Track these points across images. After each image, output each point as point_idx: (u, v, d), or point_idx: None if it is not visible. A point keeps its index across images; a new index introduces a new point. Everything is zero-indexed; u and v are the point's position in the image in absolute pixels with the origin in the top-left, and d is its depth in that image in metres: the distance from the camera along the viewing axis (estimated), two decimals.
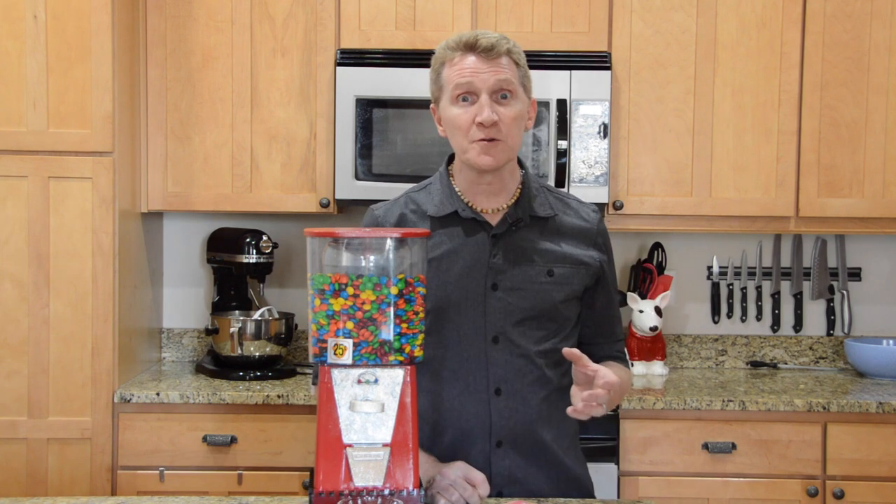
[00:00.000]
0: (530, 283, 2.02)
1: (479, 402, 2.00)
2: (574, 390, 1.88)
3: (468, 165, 2.02)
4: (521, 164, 2.11)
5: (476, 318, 2.00)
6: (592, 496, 2.13)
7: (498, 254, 2.02)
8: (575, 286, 2.06)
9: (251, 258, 3.35)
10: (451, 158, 2.13)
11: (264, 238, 3.37)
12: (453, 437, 2.01)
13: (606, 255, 2.13)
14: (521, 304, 2.01)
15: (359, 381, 1.74)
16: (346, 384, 1.74)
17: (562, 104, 3.17)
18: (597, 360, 1.93)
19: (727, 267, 3.67)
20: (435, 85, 2.05)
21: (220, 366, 3.31)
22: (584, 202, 2.16)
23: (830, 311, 3.65)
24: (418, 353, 1.76)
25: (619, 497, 3.00)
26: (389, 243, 1.74)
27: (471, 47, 1.97)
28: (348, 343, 1.72)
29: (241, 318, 3.34)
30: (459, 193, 2.06)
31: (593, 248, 2.10)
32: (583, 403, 1.81)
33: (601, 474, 2.91)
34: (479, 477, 1.88)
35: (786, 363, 3.65)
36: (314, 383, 1.98)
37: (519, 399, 2.01)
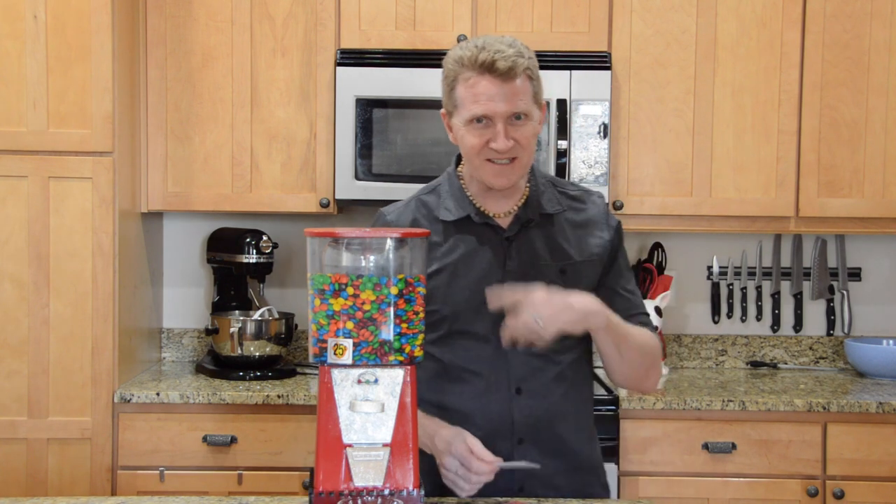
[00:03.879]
0: (545, 283, 2.00)
1: (500, 402, 2.02)
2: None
3: (481, 180, 2.02)
4: None
5: (494, 320, 2.00)
6: (608, 488, 2.16)
7: (512, 256, 2.04)
8: (588, 279, 2.06)
9: (251, 258, 3.35)
10: (459, 159, 2.12)
11: (264, 238, 3.37)
12: (478, 435, 2.00)
13: (617, 238, 2.12)
14: None
15: (359, 381, 1.74)
16: (346, 384, 1.74)
17: (562, 104, 3.17)
18: None
19: (727, 267, 3.67)
20: (448, 98, 2.00)
21: (220, 366, 3.31)
22: (588, 190, 2.15)
23: (830, 311, 3.65)
24: (418, 353, 1.76)
25: (619, 497, 3.00)
26: (389, 243, 1.74)
27: (487, 69, 1.92)
28: (348, 343, 1.72)
29: (241, 318, 3.34)
30: (471, 198, 2.06)
31: (602, 240, 2.09)
32: (508, 332, 1.84)
33: None
34: (479, 467, 1.88)
35: (786, 363, 3.65)
36: None
37: (539, 397, 2.03)
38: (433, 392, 2.05)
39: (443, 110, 2.03)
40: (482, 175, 1.99)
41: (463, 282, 2.02)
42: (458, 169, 2.12)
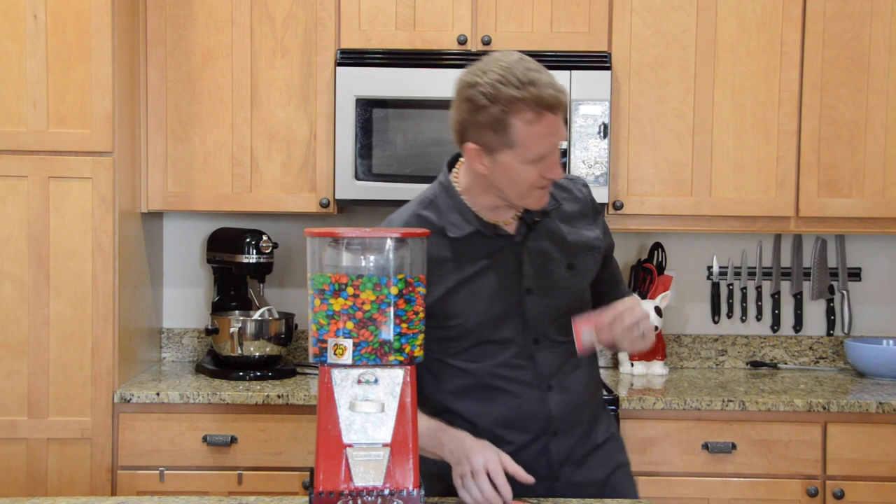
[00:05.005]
0: (558, 280, 2.08)
1: (536, 401, 2.06)
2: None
3: (514, 204, 2.03)
4: None
5: (517, 325, 2.05)
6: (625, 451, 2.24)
7: (526, 260, 2.06)
8: (592, 271, 2.15)
9: (251, 258, 3.35)
10: (450, 164, 2.11)
11: (264, 238, 3.37)
12: (513, 436, 2.06)
13: (603, 227, 2.20)
14: (555, 303, 2.07)
15: (359, 381, 1.74)
16: (346, 384, 1.74)
17: None
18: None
19: (727, 267, 3.66)
20: (494, 135, 1.92)
21: (220, 366, 3.31)
22: (574, 178, 2.21)
23: (830, 311, 3.65)
24: (418, 352, 1.76)
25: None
26: (389, 243, 1.74)
27: (548, 107, 1.91)
28: (348, 343, 1.72)
29: (241, 318, 3.34)
30: (475, 212, 2.06)
31: (594, 226, 2.17)
32: (627, 342, 1.96)
33: None
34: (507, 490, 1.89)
35: (786, 363, 3.65)
36: None
37: (568, 391, 2.09)
38: (465, 402, 2.07)
39: (471, 144, 1.96)
40: (527, 202, 2.01)
41: (483, 293, 2.04)
42: (453, 179, 2.09)
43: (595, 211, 2.19)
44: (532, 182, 1.97)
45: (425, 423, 1.98)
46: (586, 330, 1.98)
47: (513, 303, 2.05)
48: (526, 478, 1.90)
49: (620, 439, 2.26)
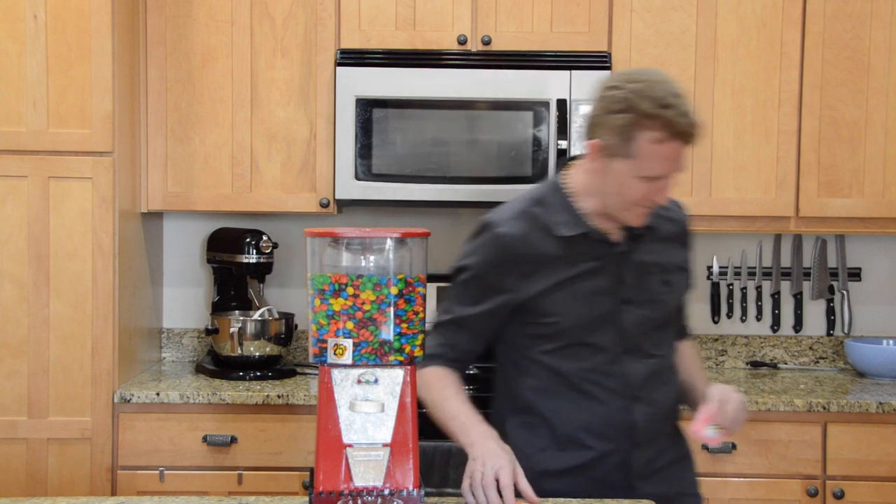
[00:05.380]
0: (654, 294, 2.11)
1: (622, 411, 2.07)
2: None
3: (612, 215, 2.05)
4: None
5: (611, 332, 2.07)
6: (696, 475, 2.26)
7: (627, 270, 2.08)
8: (683, 290, 2.21)
9: (251, 258, 3.35)
10: (562, 168, 2.15)
11: (264, 238, 3.37)
12: (595, 442, 2.07)
13: (691, 251, 2.25)
14: (650, 316, 2.10)
15: (359, 381, 1.75)
16: (346, 384, 1.74)
17: (562, 104, 3.17)
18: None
19: (727, 267, 3.66)
20: (618, 140, 1.95)
21: (220, 366, 3.31)
22: (674, 200, 2.22)
23: (830, 311, 3.65)
24: (418, 352, 1.76)
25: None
26: (389, 243, 1.74)
27: (680, 136, 1.94)
28: (348, 343, 1.72)
29: (241, 318, 3.34)
30: (585, 215, 2.07)
31: (685, 249, 2.22)
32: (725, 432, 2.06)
33: None
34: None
35: (786, 363, 3.65)
36: None
37: (654, 403, 2.11)
38: (550, 401, 2.09)
39: (597, 141, 1.98)
40: (624, 216, 2.03)
41: (582, 296, 2.06)
42: (562, 180, 2.11)
43: (689, 235, 2.24)
44: (636, 199, 1.99)
45: (461, 406, 2.00)
46: (708, 427, 2.06)
47: (610, 310, 2.07)
48: (533, 500, 1.88)
49: (692, 458, 2.26)
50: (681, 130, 1.93)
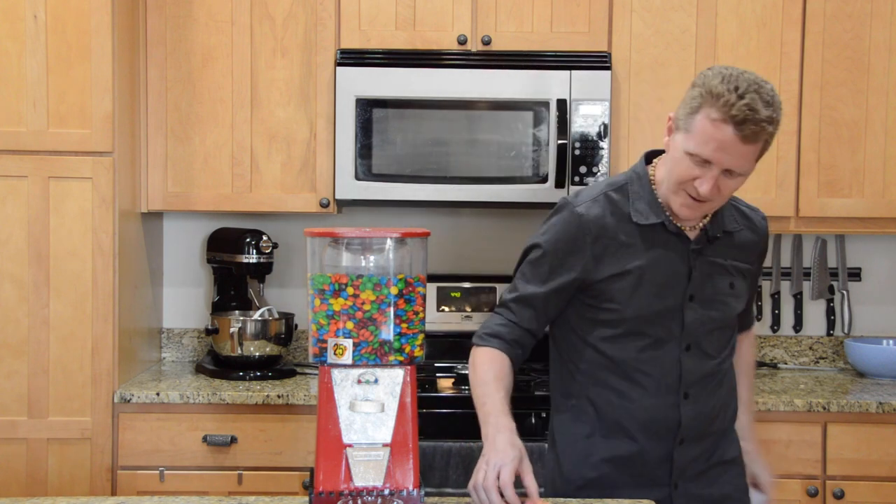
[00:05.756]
0: (720, 295, 2.11)
1: (669, 406, 2.08)
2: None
3: (665, 201, 2.06)
4: None
5: (673, 327, 2.07)
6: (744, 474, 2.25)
7: (696, 267, 2.08)
8: (746, 295, 2.19)
9: (251, 258, 3.35)
10: (649, 158, 2.15)
11: (264, 238, 3.37)
12: (639, 433, 2.08)
13: (762, 261, 2.26)
14: (713, 315, 2.10)
15: (359, 381, 1.75)
16: (346, 384, 1.74)
17: (562, 104, 3.17)
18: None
19: None
20: (686, 115, 1.96)
21: (220, 366, 3.31)
22: (755, 209, 2.24)
23: (830, 311, 3.65)
24: (418, 352, 1.76)
25: None
26: (389, 243, 1.74)
27: (735, 123, 1.90)
28: (348, 343, 1.72)
29: (241, 318, 3.34)
30: (663, 205, 2.08)
31: (758, 259, 2.22)
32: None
33: None
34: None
35: (786, 363, 3.65)
36: None
37: (703, 402, 2.11)
38: (600, 389, 2.09)
39: (672, 114, 2.02)
40: (672, 200, 2.03)
41: (649, 286, 2.06)
42: (650, 170, 2.12)
43: (765, 246, 2.24)
44: (680, 176, 1.98)
45: (494, 395, 1.98)
46: None
47: (674, 305, 2.07)
48: (534, 498, 1.87)
49: (742, 463, 2.25)
50: (737, 118, 1.90)
